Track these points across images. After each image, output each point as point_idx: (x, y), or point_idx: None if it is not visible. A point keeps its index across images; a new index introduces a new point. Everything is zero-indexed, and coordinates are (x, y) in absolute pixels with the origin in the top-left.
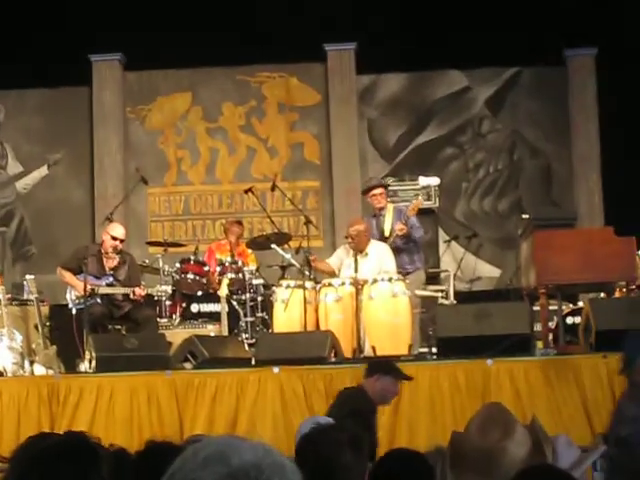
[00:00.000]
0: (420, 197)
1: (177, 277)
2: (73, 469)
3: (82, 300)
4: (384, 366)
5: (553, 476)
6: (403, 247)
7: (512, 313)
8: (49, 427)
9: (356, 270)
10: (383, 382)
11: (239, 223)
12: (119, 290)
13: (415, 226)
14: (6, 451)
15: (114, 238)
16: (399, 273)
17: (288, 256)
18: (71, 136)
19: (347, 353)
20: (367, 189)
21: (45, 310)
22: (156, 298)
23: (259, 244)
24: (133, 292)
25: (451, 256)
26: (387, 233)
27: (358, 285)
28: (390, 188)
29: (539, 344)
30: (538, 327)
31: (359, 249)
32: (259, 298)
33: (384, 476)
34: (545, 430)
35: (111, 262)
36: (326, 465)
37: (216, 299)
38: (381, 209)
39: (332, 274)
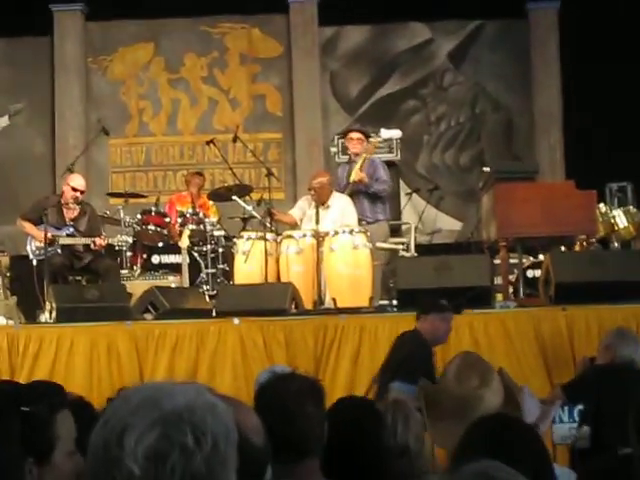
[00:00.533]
0: (372, 140)
1: (138, 228)
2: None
3: (42, 251)
4: (425, 305)
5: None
6: (364, 195)
7: (473, 266)
8: (9, 377)
9: (317, 222)
10: (429, 322)
11: (200, 174)
12: (80, 240)
13: (380, 179)
14: None
15: (74, 189)
16: (359, 221)
17: (249, 208)
18: (32, 86)
19: (308, 305)
20: (346, 131)
21: (5, 261)
22: (117, 248)
23: (220, 196)
24: (94, 242)
25: (412, 209)
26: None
27: (319, 237)
28: None
29: (499, 297)
30: (498, 280)
31: (321, 201)
32: (220, 250)
33: (337, 424)
34: (514, 381)
35: (71, 213)
36: (286, 414)
37: (177, 250)
38: (356, 155)
39: (294, 225)
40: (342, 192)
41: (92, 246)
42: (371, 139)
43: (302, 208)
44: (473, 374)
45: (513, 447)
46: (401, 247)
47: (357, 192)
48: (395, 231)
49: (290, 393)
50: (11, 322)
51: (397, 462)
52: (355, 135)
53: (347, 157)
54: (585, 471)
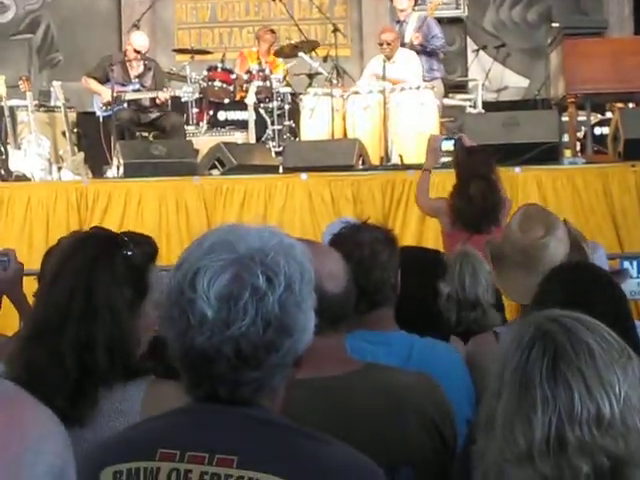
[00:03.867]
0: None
1: (204, 85)
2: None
3: (109, 107)
4: None
5: (593, 272)
6: (421, 54)
7: (541, 121)
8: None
9: (384, 78)
10: None
11: (273, 32)
12: (146, 94)
13: (437, 36)
14: (36, 255)
15: (136, 51)
16: None
17: (315, 64)
18: None
19: (375, 161)
20: None
21: (72, 117)
22: (183, 99)
23: (287, 52)
24: (157, 97)
25: (479, 66)
26: (407, 40)
27: (386, 93)
28: None
29: (567, 153)
30: (566, 138)
31: (391, 55)
32: (286, 106)
33: (403, 272)
34: (580, 232)
35: (136, 70)
36: (362, 264)
37: (243, 107)
38: (404, 14)
39: None
40: None
41: (157, 100)
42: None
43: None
44: (537, 224)
45: (590, 294)
46: (468, 104)
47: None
48: (462, 87)
49: (365, 242)
50: (79, 178)
51: (468, 314)
52: None
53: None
54: None
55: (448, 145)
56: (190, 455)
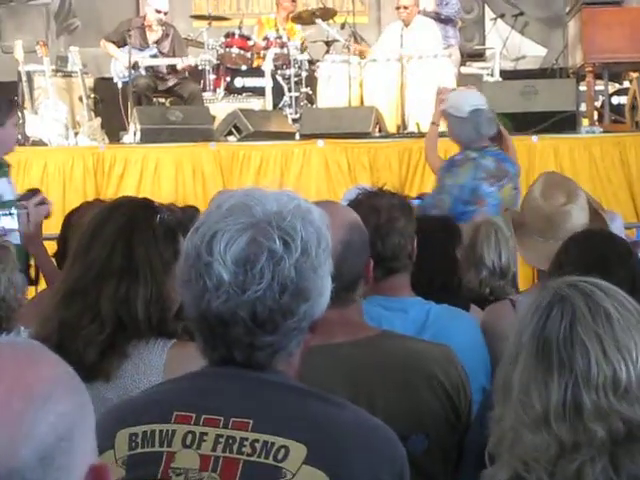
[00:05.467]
0: None
1: (221, 51)
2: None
3: (127, 72)
4: None
5: (612, 239)
6: (435, 21)
7: (558, 90)
8: (95, 197)
9: (402, 45)
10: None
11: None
12: (163, 61)
13: (450, 3)
14: (52, 219)
15: (157, 11)
16: None
17: (333, 31)
18: None
19: (391, 129)
20: None
21: (89, 82)
22: (200, 67)
23: (304, 19)
24: (184, 65)
25: (497, 34)
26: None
27: (403, 61)
28: None
29: (584, 122)
30: (583, 107)
31: (409, 21)
32: (303, 73)
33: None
34: (597, 200)
35: (154, 35)
36: (379, 230)
37: (260, 74)
38: None
39: None
40: None
41: (178, 66)
42: None
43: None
44: (559, 191)
45: (609, 261)
46: (485, 72)
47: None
48: (479, 56)
49: (381, 208)
50: (96, 143)
51: (494, 282)
52: None
53: None
54: None
55: None
56: (205, 418)
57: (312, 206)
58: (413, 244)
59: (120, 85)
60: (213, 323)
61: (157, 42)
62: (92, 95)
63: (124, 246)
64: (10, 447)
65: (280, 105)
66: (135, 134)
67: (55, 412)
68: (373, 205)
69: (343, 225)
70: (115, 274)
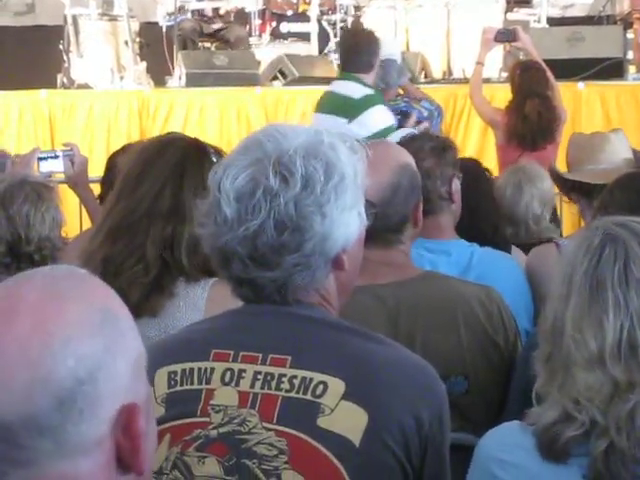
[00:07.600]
0: None
1: None
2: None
3: (172, 16)
4: None
5: None
6: None
7: (605, 37)
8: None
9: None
10: None
11: None
12: (210, 4)
13: None
14: (97, 162)
15: None
16: None
17: None
18: None
19: (437, 74)
20: None
21: (135, 26)
22: (247, 10)
23: None
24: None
25: None
26: None
27: (449, 6)
28: None
29: (631, 69)
30: (630, 55)
31: None
32: (349, 19)
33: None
34: None
35: None
36: (421, 171)
37: (306, 19)
38: None
39: None
40: None
41: (222, 9)
42: None
43: None
44: (598, 133)
45: None
46: (532, 19)
47: None
48: (526, 2)
49: (424, 150)
50: (141, 87)
51: (529, 227)
52: None
53: None
54: None
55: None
56: (244, 355)
57: (337, 143)
58: (450, 186)
59: (165, 29)
60: (221, 260)
61: None
62: (138, 39)
63: (174, 186)
64: (25, 393)
65: (326, 50)
66: (180, 78)
67: (75, 355)
68: (417, 147)
69: (391, 167)
70: (162, 215)
